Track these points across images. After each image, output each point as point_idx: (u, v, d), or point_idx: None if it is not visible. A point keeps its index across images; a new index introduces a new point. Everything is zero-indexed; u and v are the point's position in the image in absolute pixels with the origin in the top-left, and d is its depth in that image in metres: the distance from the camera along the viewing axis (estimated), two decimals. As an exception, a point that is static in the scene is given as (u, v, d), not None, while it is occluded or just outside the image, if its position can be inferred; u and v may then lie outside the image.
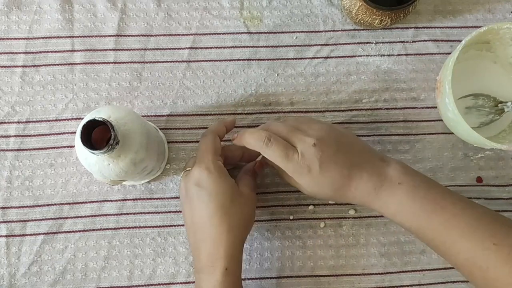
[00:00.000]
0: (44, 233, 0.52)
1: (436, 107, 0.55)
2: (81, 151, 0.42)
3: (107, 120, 0.38)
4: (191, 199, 0.45)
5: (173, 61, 0.55)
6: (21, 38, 0.55)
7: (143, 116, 0.54)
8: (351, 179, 0.43)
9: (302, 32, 0.56)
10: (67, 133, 0.54)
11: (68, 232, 0.53)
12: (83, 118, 0.42)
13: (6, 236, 0.52)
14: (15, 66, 0.55)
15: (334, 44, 0.56)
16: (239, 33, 0.56)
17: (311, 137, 0.43)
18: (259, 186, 0.54)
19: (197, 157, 0.46)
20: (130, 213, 0.53)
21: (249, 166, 0.50)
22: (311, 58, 0.56)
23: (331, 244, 0.53)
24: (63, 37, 0.55)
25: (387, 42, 0.57)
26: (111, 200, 0.53)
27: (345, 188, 0.44)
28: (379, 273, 0.53)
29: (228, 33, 0.56)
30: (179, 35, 0.56)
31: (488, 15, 0.57)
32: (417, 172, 0.45)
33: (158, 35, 0.56)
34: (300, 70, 0.56)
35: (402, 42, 0.57)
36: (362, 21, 0.53)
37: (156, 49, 0.56)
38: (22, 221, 0.53)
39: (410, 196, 0.43)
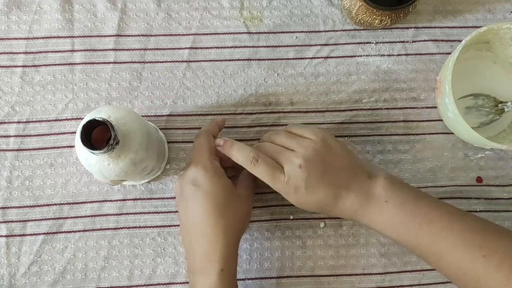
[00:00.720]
0: (44, 233, 0.52)
1: (436, 107, 0.55)
2: (81, 151, 0.42)
3: (107, 120, 0.38)
4: (186, 199, 0.45)
5: (173, 61, 0.55)
6: (21, 38, 0.55)
7: (143, 116, 0.54)
8: (338, 198, 0.44)
9: (302, 32, 0.56)
10: (67, 133, 0.54)
11: (68, 232, 0.53)
12: (83, 118, 0.42)
13: (6, 236, 0.52)
14: (15, 66, 0.55)
15: (334, 44, 0.56)
16: (239, 33, 0.56)
17: (298, 158, 0.44)
18: (259, 186, 0.54)
19: (193, 157, 0.46)
20: (130, 213, 0.53)
21: None
22: (311, 58, 0.56)
23: (331, 244, 0.53)
24: (63, 37, 0.55)
25: (387, 42, 0.57)
26: (111, 200, 0.53)
27: (331, 206, 0.45)
28: (379, 273, 0.53)
29: (228, 33, 0.56)
30: (179, 35, 0.56)
31: (488, 15, 0.57)
32: (405, 185, 0.46)
33: (158, 35, 0.56)
34: (300, 70, 0.56)
35: (402, 42, 0.57)
36: (362, 21, 0.53)
37: (156, 49, 0.56)
38: (22, 221, 0.53)
39: (396, 213, 0.43)
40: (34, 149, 0.54)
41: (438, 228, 0.42)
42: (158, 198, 0.54)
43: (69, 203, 0.53)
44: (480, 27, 0.48)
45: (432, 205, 0.44)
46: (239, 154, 0.45)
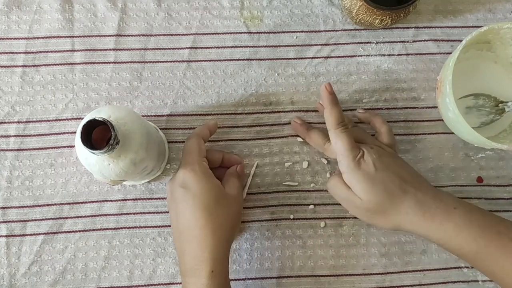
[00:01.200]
0: (44, 233, 0.52)
1: (436, 107, 0.55)
2: (81, 151, 0.42)
3: (107, 120, 0.38)
4: (176, 201, 0.45)
5: (174, 61, 0.55)
6: (21, 38, 0.55)
7: (143, 116, 0.54)
8: (405, 193, 0.44)
9: (302, 32, 0.56)
10: (67, 133, 0.54)
11: (68, 232, 0.53)
12: (83, 118, 0.42)
13: (6, 236, 0.52)
14: (15, 66, 0.55)
15: (335, 44, 0.56)
16: (239, 33, 0.56)
17: (373, 144, 0.48)
18: (259, 185, 0.54)
19: (182, 160, 0.47)
20: (130, 213, 0.53)
21: (233, 169, 0.51)
22: (312, 58, 0.56)
23: (331, 244, 0.53)
24: (63, 37, 0.55)
25: (387, 42, 0.57)
26: (111, 200, 0.53)
27: (399, 198, 0.44)
28: (379, 273, 0.53)
29: (228, 33, 0.56)
30: (179, 35, 0.56)
31: (489, 15, 0.57)
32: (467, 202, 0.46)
33: (158, 35, 0.56)
34: (301, 70, 0.56)
35: (402, 42, 0.57)
36: (362, 21, 0.53)
37: (156, 49, 0.56)
38: (22, 221, 0.52)
39: (466, 221, 0.43)
40: (34, 149, 0.54)
41: (508, 239, 0.42)
42: (158, 198, 0.54)
43: (69, 203, 0.53)
44: (480, 27, 0.48)
45: (497, 218, 0.44)
46: (334, 114, 0.46)
